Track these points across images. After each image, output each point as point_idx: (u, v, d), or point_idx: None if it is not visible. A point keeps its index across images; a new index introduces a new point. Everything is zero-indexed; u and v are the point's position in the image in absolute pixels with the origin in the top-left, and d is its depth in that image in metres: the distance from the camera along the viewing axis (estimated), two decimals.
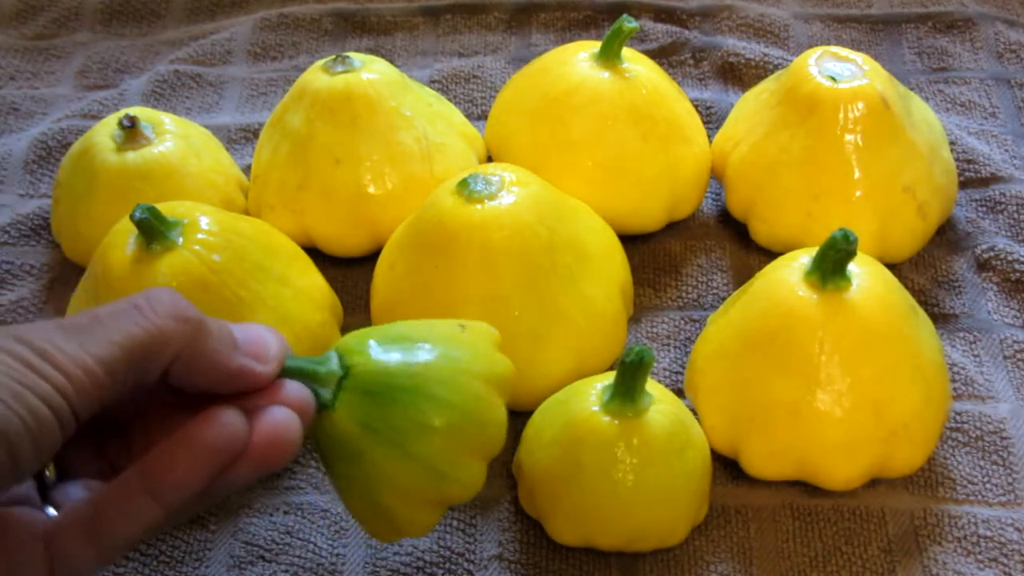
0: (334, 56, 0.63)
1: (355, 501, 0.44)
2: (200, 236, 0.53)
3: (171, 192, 0.61)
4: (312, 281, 0.57)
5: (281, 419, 0.40)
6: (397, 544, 0.53)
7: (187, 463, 0.38)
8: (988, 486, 0.55)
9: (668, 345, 0.62)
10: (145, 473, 0.38)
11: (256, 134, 0.73)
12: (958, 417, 0.58)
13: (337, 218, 0.63)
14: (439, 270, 0.55)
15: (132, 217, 0.51)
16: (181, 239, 0.53)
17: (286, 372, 0.42)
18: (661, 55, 0.78)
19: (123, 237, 0.53)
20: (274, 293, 0.54)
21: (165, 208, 0.53)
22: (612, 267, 0.59)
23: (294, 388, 0.41)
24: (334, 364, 0.43)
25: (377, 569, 0.53)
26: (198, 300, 0.51)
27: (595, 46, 0.64)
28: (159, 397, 0.41)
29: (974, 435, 0.57)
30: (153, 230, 0.52)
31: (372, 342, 0.44)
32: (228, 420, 0.39)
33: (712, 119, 0.73)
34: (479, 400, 0.43)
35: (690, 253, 0.66)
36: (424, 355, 0.43)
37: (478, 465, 0.44)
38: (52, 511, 0.40)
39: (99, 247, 0.55)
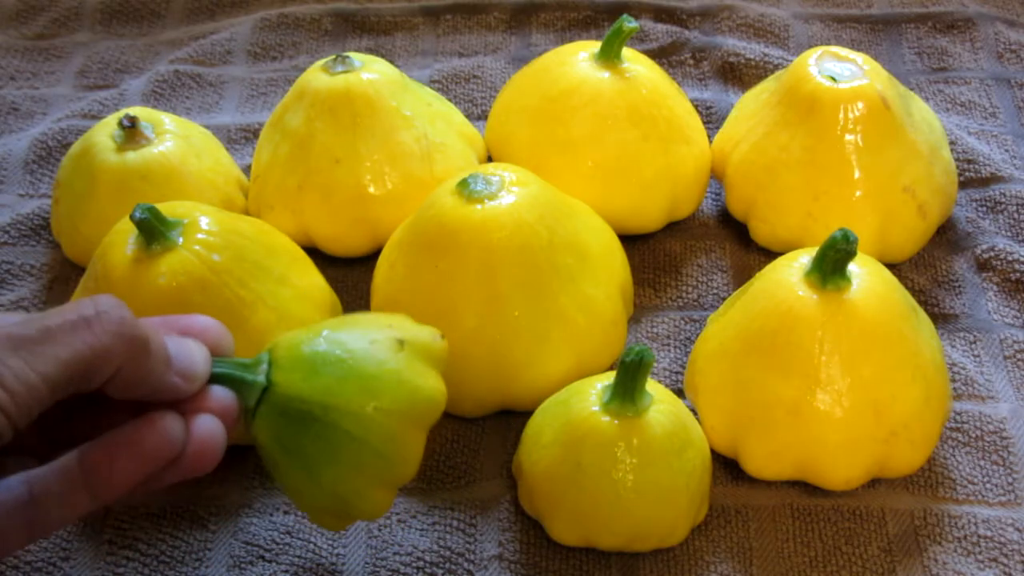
0: (334, 56, 0.63)
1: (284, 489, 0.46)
2: (200, 236, 0.53)
3: (171, 192, 0.61)
4: (312, 281, 0.57)
5: (207, 428, 0.41)
6: (397, 544, 0.53)
7: (128, 465, 0.39)
8: (988, 486, 0.55)
9: (668, 345, 0.61)
10: (85, 468, 0.39)
11: (256, 134, 0.73)
12: (958, 417, 0.58)
13: (337, 218, 0.63)
14: (439, 270, 0.55)
15: (132, 217, 0.51)
16: (181, 239, 0.53)
17: (215, 377, 0.43)
18: (661, 55, 0.78)
19: (123, 237, 0.53)
20: (274, 293, 0.54)
21: (165, 208, 0.53)
22: (612, 267, 0.59)
23: (220, 396, 0.43)
24: (260, 375, 0.43)
25: (377, 569, 0.53)
26: (198, 300, 0.52)
27: (595, 46, 0.64)
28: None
29: (974, 435, 0.57)
30: (153, 230, 0.52)
31: (302, 357, 0.44)
32: (170, 426, 0.40)
33: (712, 119, 0.73)
34: (391, 441, 0.43)
35: (690, 253, 0.66)
36: (346, 386, 0.43)
37: (384, 493, 0.44)
38: None
39: (99, 247, 0.55)
